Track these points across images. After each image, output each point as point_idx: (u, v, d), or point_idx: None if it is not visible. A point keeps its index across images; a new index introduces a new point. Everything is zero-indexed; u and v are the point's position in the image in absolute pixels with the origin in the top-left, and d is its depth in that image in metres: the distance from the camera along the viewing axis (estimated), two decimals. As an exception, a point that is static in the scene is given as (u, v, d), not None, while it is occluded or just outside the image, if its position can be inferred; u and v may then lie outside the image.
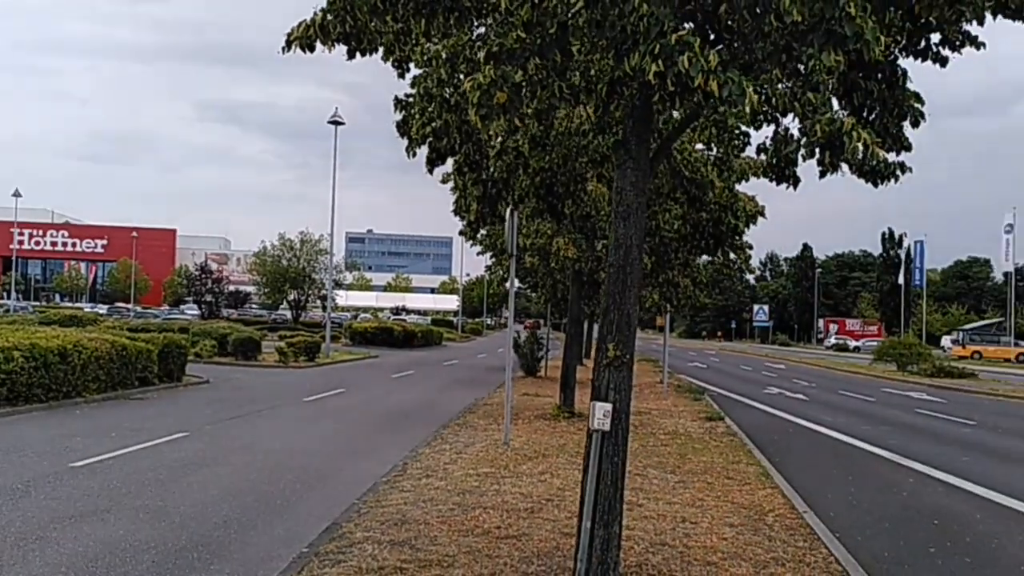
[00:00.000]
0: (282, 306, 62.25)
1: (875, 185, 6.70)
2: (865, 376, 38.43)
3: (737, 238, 9.41)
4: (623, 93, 4.97)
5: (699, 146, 9.58)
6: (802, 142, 5.01)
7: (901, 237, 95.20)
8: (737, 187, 11.86)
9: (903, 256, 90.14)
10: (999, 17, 5.66)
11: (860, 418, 19.76)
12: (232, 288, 65.50)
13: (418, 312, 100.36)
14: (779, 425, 18.03)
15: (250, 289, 66.61)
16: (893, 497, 10.45)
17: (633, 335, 5.68)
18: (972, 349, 61.79)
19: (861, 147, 4.30)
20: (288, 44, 5.39)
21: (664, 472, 10.80)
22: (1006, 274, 78.51)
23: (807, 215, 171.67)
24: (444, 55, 5.72)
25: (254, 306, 69.01)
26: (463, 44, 5.67)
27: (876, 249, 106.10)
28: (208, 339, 29.54)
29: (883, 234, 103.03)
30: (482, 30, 5.69)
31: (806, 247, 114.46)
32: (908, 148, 6.24)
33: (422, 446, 12.31)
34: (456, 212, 8.27)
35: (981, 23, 5.16)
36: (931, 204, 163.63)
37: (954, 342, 65.85)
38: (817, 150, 4.91)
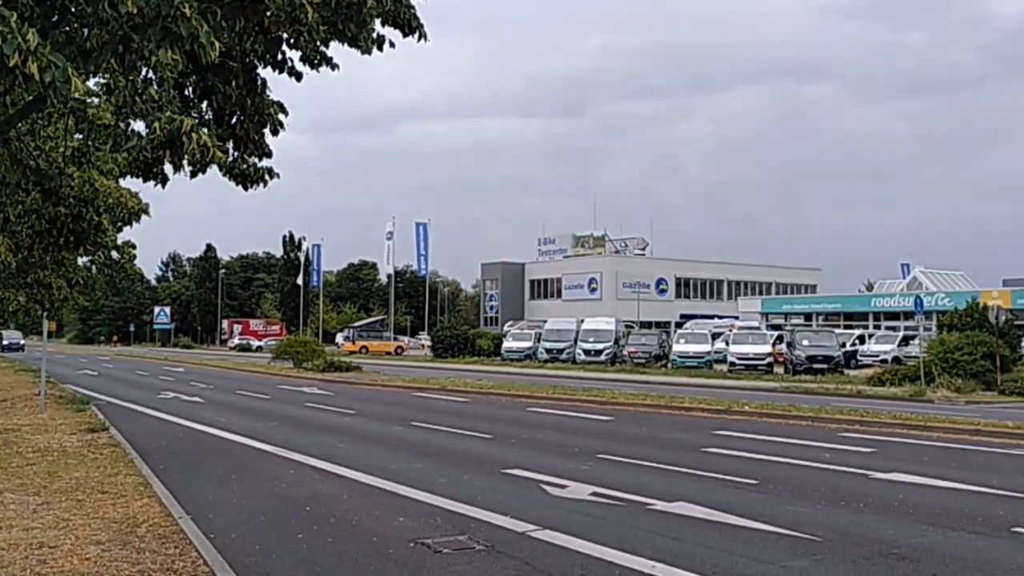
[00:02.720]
0: None
1: (245, 188, 6.87)
2: (264, 374, 39.69)
3: (103, 235, 8.83)
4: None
5: (79, 136, 8.80)
6: (144, 141, 4.86)
7: (301, 240, 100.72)
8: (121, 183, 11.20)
9: (303, 258, 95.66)
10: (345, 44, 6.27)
11: (253, 416, 20.29)
12: None
13: None
14: (170, 431, 17.56)
15: None
16: (272, 490, 10.89)
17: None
18: (360, 344, 68.16)
19: (199, 148, 4.31)
20: None
21: (26, 495, 9.67)
22: (389, 276, 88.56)
23: (213, 215, 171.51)
24: None
25: None
26: None
27: (279, 251, 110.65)
28: None
29: (284, 237, 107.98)
30: None
31: (210, 247, 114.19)
32: (268, 155, 6.50)
33: None
34: None
35: (326, 45, 5.62)
36: (332, 209, 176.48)
37: (346, 338, 71.88)
38: (161, 149, 4.80)
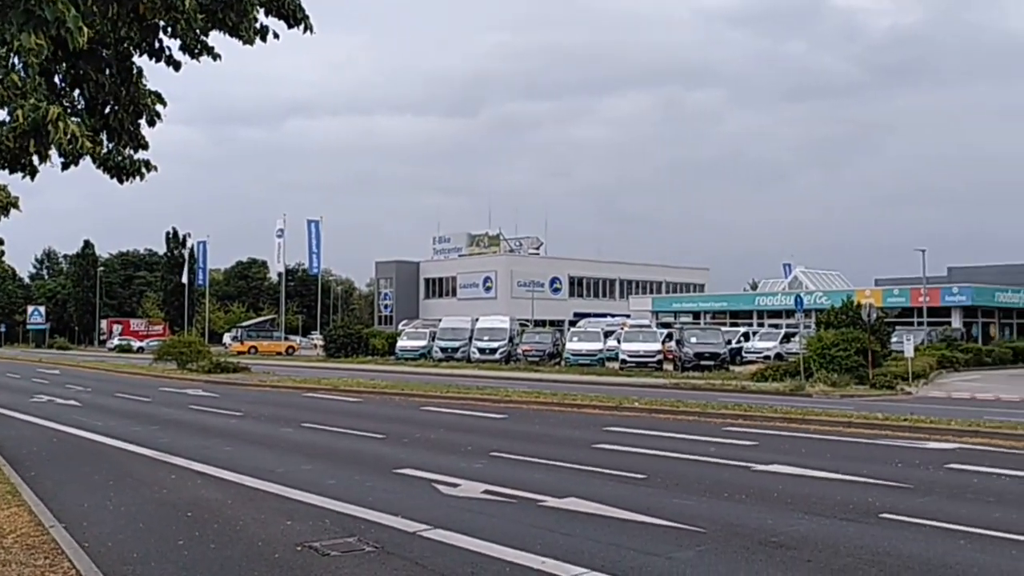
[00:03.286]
0: None
1: (120, 181, 6.56)
2: (145, 376, 38.20)
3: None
4: None
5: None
6: (6, 129, 4.57)
7: (185, 237, 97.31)
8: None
9: (188, 255, 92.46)
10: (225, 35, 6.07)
11: (133, 420, 19.49)
12: None
13: None
14: (43, 436, 16.70)
15: None
16: (152, 496, 10.46)
17: None
18: (249, 344, 66.32)
19: (67, 138, 4.08)
20: None
21: None
22: (279, 274, 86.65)
23: (92, 210, 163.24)
24: None
25: None
26: None
27: (163, 247, 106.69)
28: None
29: (167, 233, 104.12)
30: None
31: (87, 244, 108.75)
32: (145, 146, 6.23)
33: None
34: None
35: (206, 34, 5.42)
36: (220, 205, 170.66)
37: (234, 338, 69.87)
38: (25, 138, 4.52)
